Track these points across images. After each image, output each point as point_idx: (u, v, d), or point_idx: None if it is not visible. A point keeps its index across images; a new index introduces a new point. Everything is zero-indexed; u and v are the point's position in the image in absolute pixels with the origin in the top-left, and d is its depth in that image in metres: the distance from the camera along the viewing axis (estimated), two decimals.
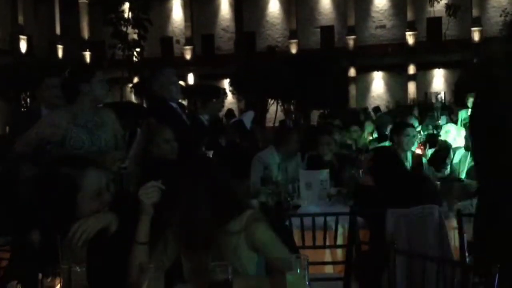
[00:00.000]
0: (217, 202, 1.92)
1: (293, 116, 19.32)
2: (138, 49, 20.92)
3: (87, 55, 30.70)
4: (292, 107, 22.20)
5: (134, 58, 21.01)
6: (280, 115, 21.94)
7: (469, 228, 3.03)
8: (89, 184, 1.92)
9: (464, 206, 3.25)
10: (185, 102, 16.22)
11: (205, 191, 1.92)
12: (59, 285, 1.69)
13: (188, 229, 1.93)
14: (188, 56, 31.21)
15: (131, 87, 23.56)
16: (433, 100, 22.05)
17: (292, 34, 30.13)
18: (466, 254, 2.90)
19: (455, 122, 9.01)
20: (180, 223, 1.94)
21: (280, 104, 22.64)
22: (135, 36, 21.09)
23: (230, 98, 24.01)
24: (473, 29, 27.71)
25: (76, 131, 3.14)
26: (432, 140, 6.73)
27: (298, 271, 1.67)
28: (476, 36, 27.53)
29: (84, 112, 3.19)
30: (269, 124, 20.63)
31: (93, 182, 1.94)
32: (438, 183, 4.08)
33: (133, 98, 24.00)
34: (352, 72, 28.79)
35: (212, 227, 1.92)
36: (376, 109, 16.71)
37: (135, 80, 23.31)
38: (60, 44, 30.83)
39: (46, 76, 4.01)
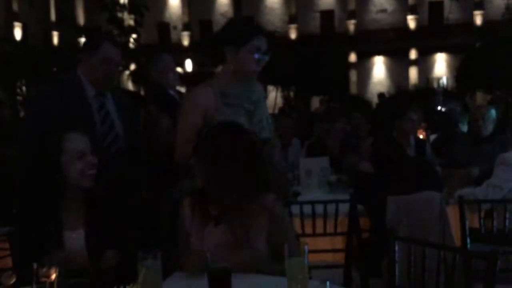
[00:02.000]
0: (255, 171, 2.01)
1: (292, 102, 19.25)
2: (134, 35, 20.73)
3: (83, 42, 30.51)
4: (291, 94, 22.10)
5: (131, 45, 20.82)
6: (280, 102, 21.87)
7: (471, 214, 3.02)
8: (71, 147, 2.09)
9: (466, 192, 3.22)
10: (183, 89, 16.11)
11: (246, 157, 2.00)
12: (54, 275, 1.69)
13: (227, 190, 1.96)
14: (185, 42, 31.01)
15: (128, 75, 23.45)
16: (435, 85, 21.97)
17: (292, 19, 29.89)
18: (468, 240, 2.88)
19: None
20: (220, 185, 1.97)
21: (279, 90, 22.54)
22: (131, 22, 20.90)
23: None
24: (475, 12, 27.48)
25: (228, 112, 2.46)
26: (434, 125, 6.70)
27: (299, 257, 1.65)
28: (478, 20, 27.31)
29: (235, 86, 2.48)
30: (269, 111, 20.52)
31: (76, 145, 2.10)
32: (440, 168, 4.06)
33: (130, 85, 23.89)
34: (352, 57, 28.62)
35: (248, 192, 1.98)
36: (381, 95, 16.66)
37: (132, 67, 23.16)
38: (56, 31, 30.63)
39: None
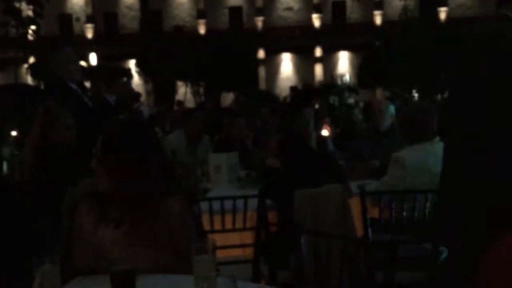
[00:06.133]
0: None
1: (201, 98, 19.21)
2: (33, 27, 19.56)
3: None
4: (201, 89, 22.02)
5: (30, 37, 19.63)
6: (190, 98, 21.71)
7: (372, 206, 3.16)
8: None
9: (367, 184, 3.36)
10: (87, 84, 15.45)
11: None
12: None
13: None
14: (89, 34, 29.76)
15: (27, 68, 22.14)
16: (339, 82, 22.91)
17: (200, 14, 29.72)
18: (369, 231, 3.01)
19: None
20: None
21: (189, 86, 22.36)
22: (30, 13, 19.70)
23: (136, 79, 23.32)
24: (375, 12, 28.93)
25: None
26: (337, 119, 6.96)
27: (206, 255, 1.62)
28: (378, 20, 28.79)
29: None
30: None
31: None
32: (344, 162, 4.22)
33: (29, 80, 22.58)
34: (261, 53, 29.03)
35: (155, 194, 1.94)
36: (294, 88, 17.09)
37: (31, 60, 21.89)
38: None
39: None
